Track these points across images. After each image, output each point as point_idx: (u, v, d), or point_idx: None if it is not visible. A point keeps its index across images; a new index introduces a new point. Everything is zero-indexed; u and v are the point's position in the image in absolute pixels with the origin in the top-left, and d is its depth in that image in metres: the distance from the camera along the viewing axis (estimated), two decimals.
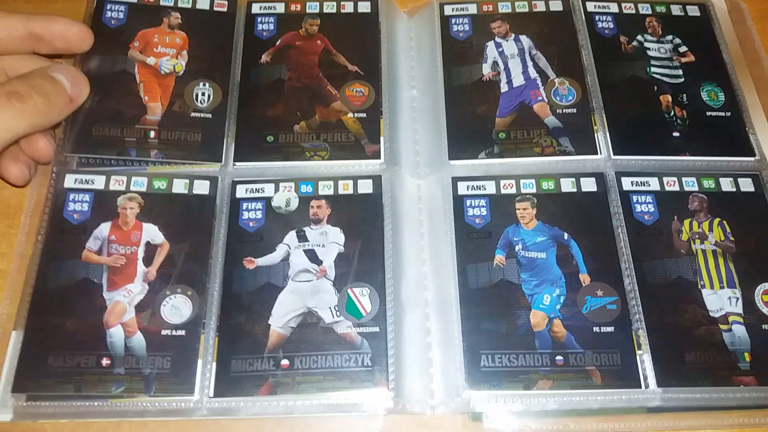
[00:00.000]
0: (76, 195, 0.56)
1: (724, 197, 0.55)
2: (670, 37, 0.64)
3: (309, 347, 0.51)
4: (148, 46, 0.63)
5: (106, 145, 0.58)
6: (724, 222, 0.54)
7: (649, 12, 0.66)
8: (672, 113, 0.60)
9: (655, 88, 0.61)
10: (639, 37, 0.64)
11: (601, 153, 0.57)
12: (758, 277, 0.52)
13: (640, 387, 0.47)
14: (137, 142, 0.58)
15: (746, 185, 0.56)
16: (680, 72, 0.62)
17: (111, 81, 0.61)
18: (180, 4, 0.66)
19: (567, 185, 0.56)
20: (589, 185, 0.56)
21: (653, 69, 0.62)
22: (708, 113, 0.60)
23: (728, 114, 0.60)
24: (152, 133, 0.59)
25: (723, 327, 0.50)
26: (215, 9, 0.66)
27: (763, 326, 0.49)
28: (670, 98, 0.60)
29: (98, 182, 0.57)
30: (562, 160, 0.57)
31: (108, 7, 0.64)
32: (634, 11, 0.66)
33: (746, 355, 0.48)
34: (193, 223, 0.56)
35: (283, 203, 0.57)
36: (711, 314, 0.50)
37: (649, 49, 0.63)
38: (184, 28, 0.64)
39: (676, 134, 0.58)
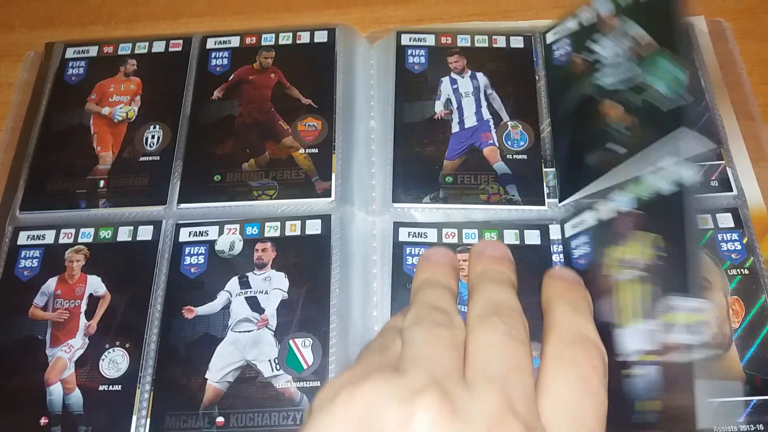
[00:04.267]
0: (27, 251, 0.56)
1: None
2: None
3: (246, 404, 0.48)
4: (104, 96, 0.63)
5: (58, 199, 0.58)
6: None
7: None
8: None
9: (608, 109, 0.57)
10: (588, 43, 0.60)
11: (547, 204, 0.54)
12: None
13: None
14: (87, 194, 0.58)
15: (726, 221, 0.52)
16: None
17: (67, 135, 0.61)
18: (137, 51, 0.65)
19: (510, 237, 0.52)
20: (533, 238, 0.52)
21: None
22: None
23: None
24: (102, 182, 0.58)
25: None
26: (170, 50, 0.65)
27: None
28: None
29: (48, 236, 0.56)
30: (507, 209, 0.54)
31: (70, 65, 0.65)
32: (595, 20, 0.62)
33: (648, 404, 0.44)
34: (136, 271, 0.54)
35: (227, 247, 0.55)
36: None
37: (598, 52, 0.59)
38: (140, 73, 0.64)
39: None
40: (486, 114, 0.59)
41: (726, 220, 0.52)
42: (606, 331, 0.45)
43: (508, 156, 0.56)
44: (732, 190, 0.54)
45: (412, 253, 0.53)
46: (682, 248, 0.46)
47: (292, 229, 0.55)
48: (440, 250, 0.37)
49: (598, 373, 0.28)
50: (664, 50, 0.55)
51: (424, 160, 0.57)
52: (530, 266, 0.50)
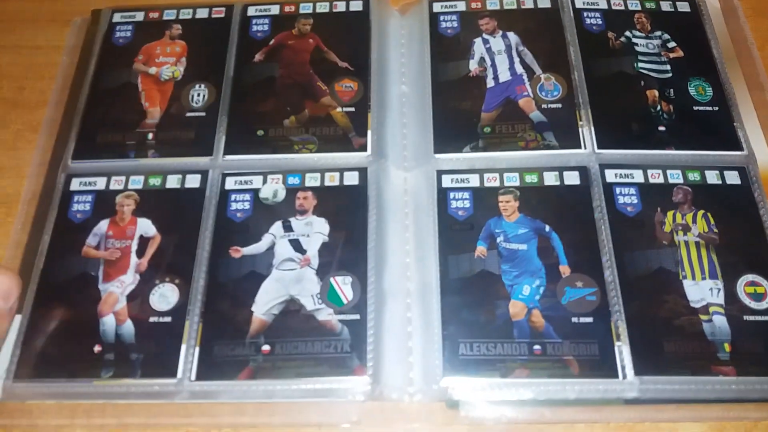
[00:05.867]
0: (80, 197, 0.59)
1: (709, 190, 0.55)
2: (658, 33, 0.64)
3: (290, 334, 0.51)
4: (151, 57, 0.67)
5: (108, 150, 0.61)
6: (708, 214, 0.54)
7: (639, 8, 0.66)
8: (658, 108, 0.60)
9: (642, 83, 0.61)
10: (627, 33, 0.64)
11: (585, 147, 0.57)
12: (741, 269, 0.51)
13: (618, 377, 0.47)
14: (136, 145, 0.61)
15: (733, 178, 0.56)
16: (668, 67, 0.62)
17: (116, 93, 0.65)
18: (181, 16, 0.69)
19: (550, 179, 0.56)
20: (572, 179, 0.56)
21: (641, 64, 0.62)
22: (695, 108, 0.60)
23: (716, 108, 0.59)
24: (150, 135, 0.62)
25: (703, 317, 0.49)
26: (213, 16, 0.69)
27: (744, 317, 0.49)
28: (656, 93, 0.60)
29: (100, 183, 0.60)
30: (546, 154, 0.57)
31: (117, 28, 0.69)
32: (623, 7, 0.66)
33: (726, 345, 0.48)
34: (184, 216, 0.57)
35: (271, 194, 0.58)
36: (692, 305, 0.50)
37: (637, 44, 0.63)
38: (184, 37, 0.68)
39: (662, 128, 0.58)
40: (519, 68, 0.62)
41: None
42: (673, 279, 0.49)
43: (543, 106, 0.60)
44: (743, 150, 0.58)
45: (456, 197, 0.56)
46: (736, 229, 0.51)
47: (332, 180, 0.59)
48: None
49: None
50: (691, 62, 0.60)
51: (462, 114, 0.60)
52: (571, 205, 0.54)
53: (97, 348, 0.52)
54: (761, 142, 0.59)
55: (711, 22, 0.66)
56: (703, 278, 0.50)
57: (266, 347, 0.51)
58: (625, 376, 0.47)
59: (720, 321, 0.49)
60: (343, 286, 0.53)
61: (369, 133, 0.61)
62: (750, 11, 0.68)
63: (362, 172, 0.59)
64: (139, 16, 0.70)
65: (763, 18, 0.68)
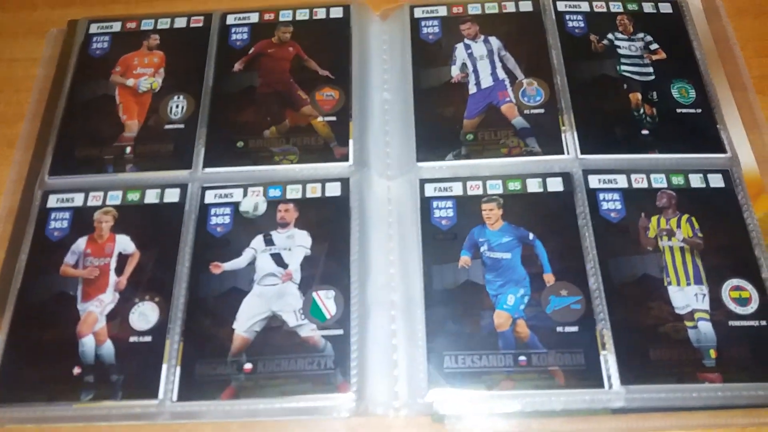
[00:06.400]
0: (57, 213, 0.58)
1: (693, 193, 0.55)
2: (641, 35, 0.64)
3: (272, 351, 0.51)
4: (129, 68, 0.66)
5: (86, 165, 0.60)
6: (693, 218, 0.53)
7: (621, 10, 0.65)
8: (641, 111, 0.59)
9: (625, 86, 0.61)
10: (609, 36, 0.64)
11: (568, 153, 0.57)
12: (726, 274, 0.51)
13: (604, 387, 0.46)
14: (114, 159, 0.60)
15: (716, 181, 0.55)
16: (651, 69, 0.62)
17: (93, 105, 0.64)
18: (159, 26, 0.68)
19: (533, 185, 0.55)
20: (555, 185, 0.55)
21: (623, 67, 0.62)
22: (678, 110, 0.59)
23: (699, 111, 0.59)
24: (128, 149, 0.61)
25: (689, 324, 0.49)
26: (192, 26, 0.68)
27: (730, 323, 0.48)
28: (639, 96, 0.60)
29: (77, 200, 0.59)
30: (529, 161, 0.57)
31: (94, 39, 0.68)
32: (605, 9, 0.66)
33: (712, 351, 0.47)
34: (163, 231, 0.56)
35: (251, 207, 0.57)
36: (677, 311, 0.49)
37: (619, 47, 0.63)
38: (162, 47, 0.67)
39: (645, 132, 0.58)
40: (501, 74, 0.62)
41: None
42: (658, 286, 0.48)
43: (525, 111, 0.59)
44: (726, 152, 0.57)
45: (439, 206, 0.55)
46: (720, 233, 0.50)
47: (313, 191, 0.58)
48: None
49: None
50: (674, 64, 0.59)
51: (445, 121, 0.59)
52: (554, 212, 0.53)
53: (76, 370, 0.51)
54: (744, 144, 0.59)
55: (693, 23, 0.65)
56: (688, 284, 0.50)
57: (248, 366, 0.50)
58: (611, 386, 0.46)
59: (705, 327, 0.48)
60: (326, 300, 0.53)
61: (351, 142, 0.60)
62: (732, 10, 0.68)
63: (344, 182, 0.58)
64: (116, 27, 0.69)
65: (745, 17, 0.68)
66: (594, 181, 0.55)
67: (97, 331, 0.52)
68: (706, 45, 0.64)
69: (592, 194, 0.54)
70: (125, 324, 0.52)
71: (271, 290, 0.53)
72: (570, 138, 0.58)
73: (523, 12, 0.65)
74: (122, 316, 0.53)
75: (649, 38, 0.63)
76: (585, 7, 0.65)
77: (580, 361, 0.47)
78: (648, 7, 0.66)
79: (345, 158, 0.59)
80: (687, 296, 0.50)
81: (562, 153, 0.57)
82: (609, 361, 0.47)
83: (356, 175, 0.58)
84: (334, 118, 0.61)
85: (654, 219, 0.53)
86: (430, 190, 0.57)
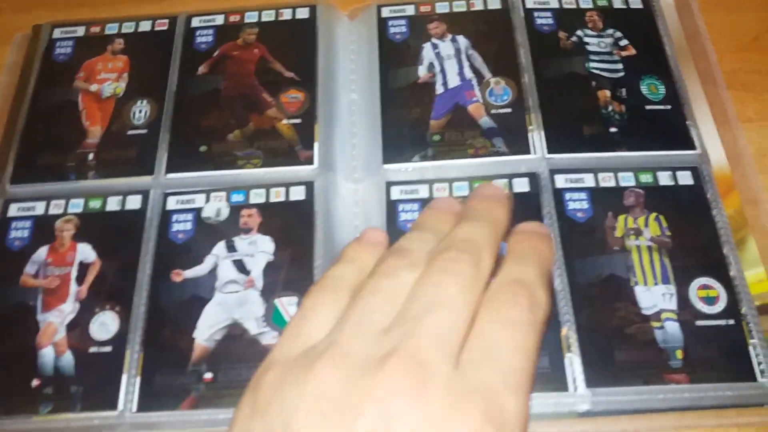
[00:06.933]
0: (18, 223, 0.57)
1: (661, 191, 0.54)
2: (610, 31, 0.63)
3: (233, 360, 0.50)
4: (92, 74, 0.65)
5: (48, 173, 0.59)
6: (661, 217, 0.52)
7: (591, 6, 0.64)
8: (610, 108, 0.58)
9: (594, 83, 0.60)
10: (578, 32, 0.63)
11: (535, 152, 0.56)
12: (694, 273, 0.50)
13: (569, 390, 0.45)
14: (76, 166, 0.59)
15: (685, 179, 0.54)
16: (620, 66, 0.61)
17: (56, 112, 0.63)
18: (124, 30, 0.67)
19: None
20: (522, 186, 0.54)
21: (592, 64, 0.61)
22: (647, 107, 0.58)
23: (668, 107, 0.58)
24: (91, 156, 0.60)
25: (655, 324, 0.48)
26: (156, 29, 0.67)
27: (697, 322, 0.47)
28: (608, 93, 0.59)
29: (39, 208, 0.58)
30: (495, 161, 0.56)
31: (57, 45, 0.67)
32: (575, 5, 0.65)
33: (678, 352, 0.46)
34: (125, 239, 0.55)
35: (213, 213, 0.56)
36: (643, 312, 0.48)
37: (588, 44, 0.62)
38: (127, 51, 0.66)
39: (613, 130, 0.57)
40: (468, 73, 0.61)
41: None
42: (624, 286, 0.47)
43: (492, 111, 0.58)
44: (696, 149, 0.56)
45: (405, 209, 0.54)
46: (689, 231, 0.49)
47: (277, 195, 0.57)
48: (440, 199, 0.36)
49: (521, 308, 0.27)
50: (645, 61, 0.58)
51: (412, 122, 0.59)
52: (521, 213, 0.52)
53: (35, 382, 0.50)
54: (715, 140, 0.58)
55: (664, 17, 0.64)
56: (656, 284, 0.49)
57: (208, 375, 0.49)
58: (576, 389, 0.45)
59: (672, 327, 0.47)
60: (289, 306, 0.52)
61: (316, 145, 0.59)
62: (704, 4, 0.67)
63: (309, 186, 0.57)
64: (80, 31, 0.68)
65: (716, 10, 0.67)
66: (561, 181, 0.54)
67: (57, 342, 0.51)
68: (677, 40, 0.63)
69: (559, 194, 0.53)
70: (85, 334, 0.51)
71: (233, 298, 0.52)
72: (537, 137, 0.57)
73: (492, 9, 0.64)
74: (82, 326, 0.52)
75: (618, 34, 0.63)
76: (554, 3, 0.64)
77: (545, 363, 0.47)
78: (618, 3, 0.65)
79: (310, 161, 0.58)
80: (654, 296, 0.49)
81: (529, 153, 0.56)
82: (574, 364, 0.46)
83: (321, 178, 0.57)
84: (299, 121, 0.60)
85: (621, 218, 0.52)
86: (396, 193, 0.56)
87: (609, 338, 0.47)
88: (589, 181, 0.54)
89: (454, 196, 0.55)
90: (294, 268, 0.53)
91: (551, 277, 0.32)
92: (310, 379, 0.25)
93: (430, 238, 0.32)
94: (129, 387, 0.49)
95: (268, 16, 0.66)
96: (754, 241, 0.52)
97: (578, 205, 0.53)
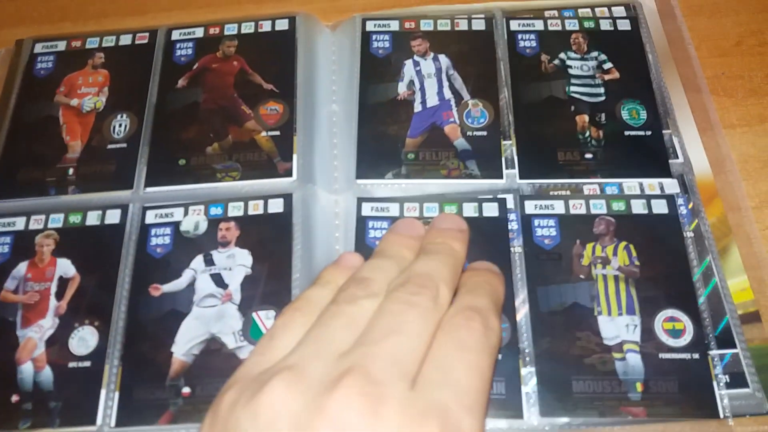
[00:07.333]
0: None
1: (634, 220, 0.54)
2: (595, 54, 0.62)
3: (211, 374, 0.51)
4: (73, 88, 0.65)
5: (29, 188, 0.60)
6: (631, 246, 0.53)
7: (576, 28, 0.64)
8: (587, 134, 0.58)
9: (573, 108, 0.60)
10: (561, 55, 0.62)
11: (506, 178, 0.56)
12: (661, 304, 0.50)
13: (522, 418, 0.47)
14: (57, 181, 0.60)
15: (660, 207, 0.54)
16: (602, 90, 0.60)
17: (37, 127, 0.63)
18: (104, 44, 0.67)
19: (469, 210, 0.55)
20: (491, 210, 0.55)
21: (573, 88, 0.61)
22: (627, 132, 0.58)
23: (648, 133, 0.58)
24: (71, 170, 0.60)
25: (617, 355, 0.49)
26: (137, 43, 0.67)
27: (660, 355, 0.48)
28: (586, 118, 0.59)
29: (19, 224, 0.58)
30: (466, 184, 0.56)
31: (38, 59, 0.67)
32: (560, 27, 0.64)
33: (638, 385, 0.47)
34: (104, 254, 0.56)
35: (192, 227, 0.57)
36: (605, 342, 0.49)
37: (571, 67, 0.62)
38: (107, 65, 0.66)
39: (588, 156, 0.57)
40: (447, 93, 0.61)
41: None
42: (587, 315, 0.48)
43: (468, 133, 0.59)
44: (678, 158, 0.56)
45: (374, 227, 0.55)
46: (659, 261, 0.50)
47: (255, 208, 0.57)
48: (404, 222, 0.38)
49: (474, 332, 0.29)
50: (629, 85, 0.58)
51: (388, 139, 0.59)
52: (487, 237, 0.53)
53: (14, 398, 0.51)
54: (698, 148, 0.57)
55: (649, 31, 0.63)
56: (620, 314, 0.50)
57: (186, 390, 0.51)
58: (530, 417, 0.47)
59: (634, 359, 0.48)
60: (266, 320, 0.53)
61: (295, 157, 0.59)
62: (687, 10, 0.66)
63: (287, 198, 0.58)
64: (61, 46, 0.67)
65: (699, 16, 0.66)
66: (530, 207, 0.55)
67: (36, 357, 0.53)
68: (660, 51, 0.62)
69: (528, 220, 0.54)
70: (65, 349, 0.53)
71: (211, 312, 0.54)
72: (510, 162, 0.57)
73: (476, 30, 0.64)
74: (62, 341, 0.53)
75: (603, 57, 0.62)
76: (539, 25, 0.64)
77: (501, 390, 0.48)
78: (605, 24, 0.64)
79: (289, 173, 0.59)
80: (617, 326, 0.50)
81: (501, 177, 0.56)
82: (530, 392, 0.48)
83: (299, 190, 0.58)
84: (277, 133, 0.61)
85: (589, 246, 0.53)
86: (367, 210, 0.56)
87: (567, 367, 0.48)
88: (559, 207, 0.54)
89: (424, 216, 0.55)
90: (272, 282, 0.54)
91: (501, 311, 0.34)
92: (263, 399, 0.26)
93: (391, 267, 0.33)
94: (108, 402, 0.51)
95: (247, 28, 0.66)
96: (737, 248, 0.52)
97: (546, 231, 0.54)
